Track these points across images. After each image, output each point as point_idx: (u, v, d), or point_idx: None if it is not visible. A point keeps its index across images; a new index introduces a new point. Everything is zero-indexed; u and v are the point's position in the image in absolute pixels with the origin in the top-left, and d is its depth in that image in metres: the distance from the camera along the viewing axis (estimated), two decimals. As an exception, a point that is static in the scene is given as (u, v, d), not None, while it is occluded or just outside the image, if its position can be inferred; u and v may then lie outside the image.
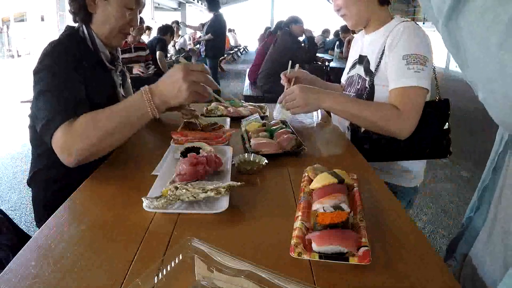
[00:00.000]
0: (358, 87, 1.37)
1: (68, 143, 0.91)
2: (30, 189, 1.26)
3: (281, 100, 1.26)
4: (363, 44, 1.40)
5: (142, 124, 0.96)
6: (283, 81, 1.41)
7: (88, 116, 0.93)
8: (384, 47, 1.24)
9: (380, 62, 1.26)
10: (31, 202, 1.27)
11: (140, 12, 1.22)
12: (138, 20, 1.22)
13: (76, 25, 1.18)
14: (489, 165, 0.75)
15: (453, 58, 0.50)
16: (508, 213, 0.64)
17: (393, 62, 1.19)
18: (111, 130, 0.92)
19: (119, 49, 1.32)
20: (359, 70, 1.39)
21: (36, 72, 1.02)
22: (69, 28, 1.17)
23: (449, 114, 1.23)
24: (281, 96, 1.26)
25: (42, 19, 14.51)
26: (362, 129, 1.27)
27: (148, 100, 0.92)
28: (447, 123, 1.23)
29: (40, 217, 1.21)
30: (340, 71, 1.69)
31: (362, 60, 1.38)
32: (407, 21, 1.25)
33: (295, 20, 4.32)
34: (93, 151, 0.93)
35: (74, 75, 1.03)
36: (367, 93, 1.29)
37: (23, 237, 1.04)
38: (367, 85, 1.30)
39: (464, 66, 0.48)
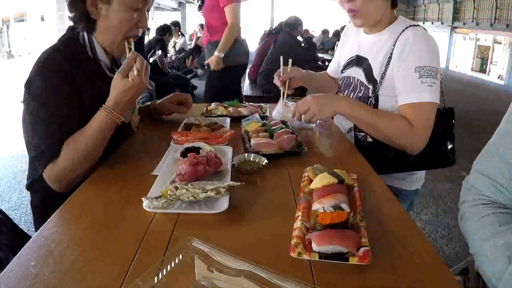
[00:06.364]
0: (360, 95, 1.30)
1: (58, 177, 1.00)
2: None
3: (294, 112, 1.20)
4: (361, 43, 1.34)
5: (111, 133, 1.05)
6: (276, 81, 1.38)
7: (67, 149, 0.98)
8: (391, 54, 1.18)
9: (386, 70, 1.20)
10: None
11: (148, 11, 1.13)
12: (148, 19, 1.13)
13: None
14: None
15: None
16: None
17: (404, 73, 1.14)
18: (92, 153, 1.01)
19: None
20: (357, 73, 1.33)
21: (27, 88, 0.99)
22: (69, 32, 1.11)
23: (454, 124, 1.21)
24: (294, 107, 1.20)
25: (42, 19, 14.52)
26: (367, 141, 1.22)
27: (111, 114, 1.00)
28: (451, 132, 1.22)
29: (39, 223, 1.19)
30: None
31: (361, 62, 1.32)
32: (414, 25, 1.19)
33: (295, 27, 4.36)
34: (80, 175, 1.02)
35: (64, 97, 1.01)
36: (371, 103, 1.25)
37: (23, 237, 1.04)
38: (370, 95, 1.25)
39: None
